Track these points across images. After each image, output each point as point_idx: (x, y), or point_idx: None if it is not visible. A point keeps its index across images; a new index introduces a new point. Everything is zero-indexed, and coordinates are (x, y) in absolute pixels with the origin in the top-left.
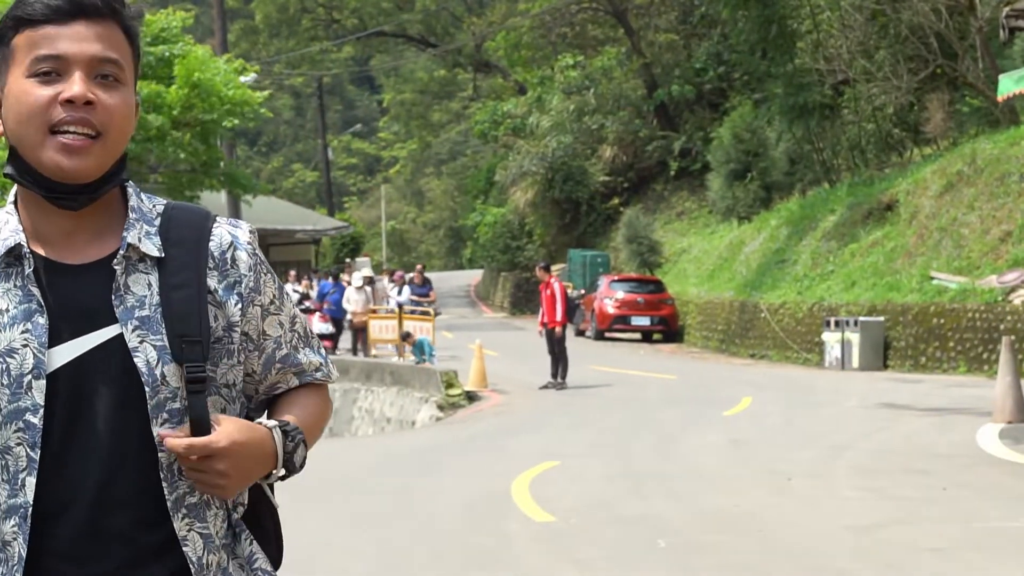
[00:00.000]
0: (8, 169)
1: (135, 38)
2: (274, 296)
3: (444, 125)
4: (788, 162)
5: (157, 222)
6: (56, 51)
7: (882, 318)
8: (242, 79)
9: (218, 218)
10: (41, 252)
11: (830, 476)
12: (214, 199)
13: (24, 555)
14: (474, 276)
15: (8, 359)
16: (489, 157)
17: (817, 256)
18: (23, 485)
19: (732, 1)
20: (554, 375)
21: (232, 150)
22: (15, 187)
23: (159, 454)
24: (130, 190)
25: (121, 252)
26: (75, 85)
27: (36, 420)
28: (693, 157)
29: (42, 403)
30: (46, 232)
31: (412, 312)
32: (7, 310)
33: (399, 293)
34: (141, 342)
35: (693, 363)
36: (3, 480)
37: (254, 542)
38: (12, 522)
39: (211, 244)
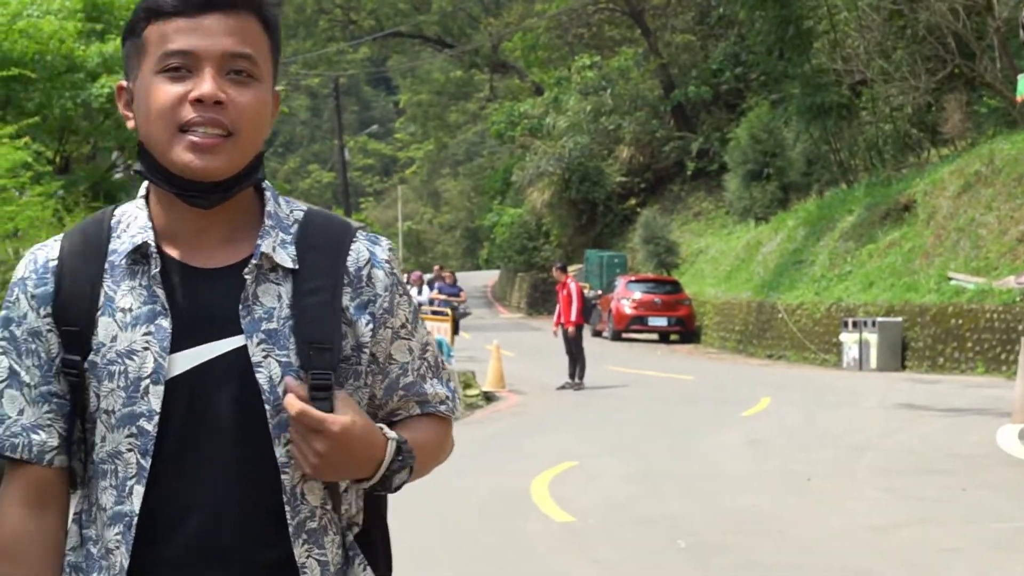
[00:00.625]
0: (139, 166)
1: (274, 29)
2: (407, 320)
3: (461, 126)
4: (805, 162)
5: (294, 229)
6: (185, 47)
7: (900, 319)
8: None
9: (359, 232)
10: (170, 252)
11: (849, 476)
12: None
13: (126, 565)
14: (491, 277)
15: (127, 360)
16: (506, 158)
17: (835, 257)
18: (130, 493)
19: (749, 2)
20: (571, 375)
21: None
22: (146, 181)
23: (282, 476)
24: (267, 194)
25: (254, 261)
26: (204, 84)
27: (150, 427)
28: (710, 158)
29: (158, 410)
30: (176, 230)
31: (433, 312)
32: (130, 309)
33: (419, 293)
34: (265, 356)
35: (710, 364)
36: (111, 486)
37: (367, 568)
38: (116, 530)
39: (348, 259)
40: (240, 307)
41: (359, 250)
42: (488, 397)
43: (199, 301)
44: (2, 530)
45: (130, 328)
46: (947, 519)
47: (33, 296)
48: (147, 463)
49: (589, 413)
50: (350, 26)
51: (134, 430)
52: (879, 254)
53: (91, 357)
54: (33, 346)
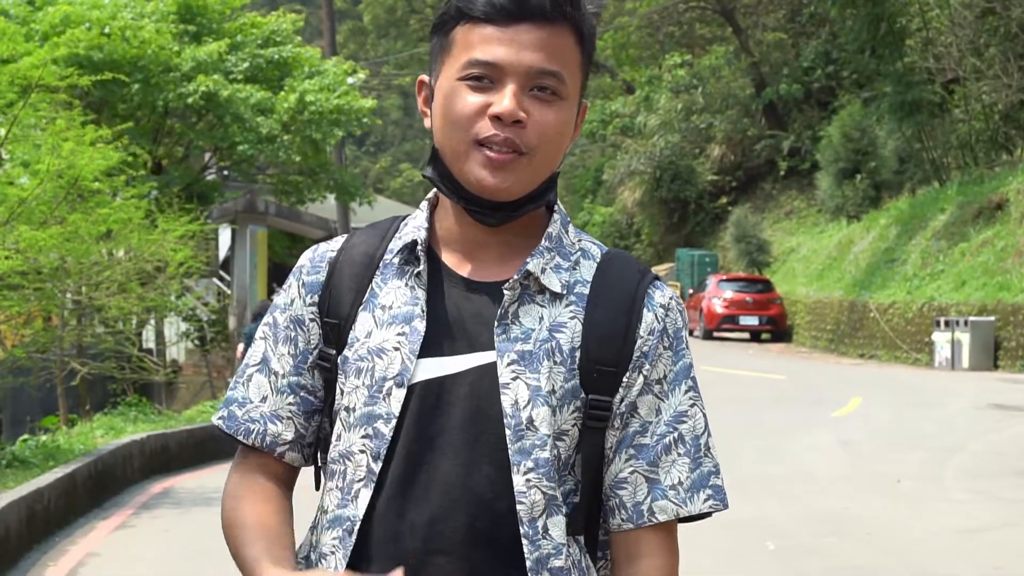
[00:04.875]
0: (428, 172)
1: (588, 39)
2: (665, 377)
3: None
4: (897, 161)
5: (574, 258)
6: (491, 58)
7: (992, 318)
8: (350, 80)
9: (655, 282)
10: (442, 257)
11: (940, 478)
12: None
13: (341, 571)
14: None
15: (376, 358)
16: (597, 156)
17: (927, 255)
18: (356, 496)
19: (841, 0)
20: None
21: (341, 152)
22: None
23: (519, 506)
24: (555, 216)
25: (515, 277)
26: (505, 100)
27: (387, 430)
28: (802, 156)
29: (396, 413)
30: (454, 237)
31: None
32: (390, 307)
33: None
34: (514, 378)
35: (802, 363)
36: (336, 487)
37: None
38: (335, 533)
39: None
40: (496, 324)
41: (642, 291)
42: None
43: (458, 310)
44: (233, 502)
45: (385, 326)
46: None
47: (304, 284)
48: (377, 467)
49: None
50: None
51: (370, 431)
52: (971, 253)
53: (345, 352)
54: (292, 334)
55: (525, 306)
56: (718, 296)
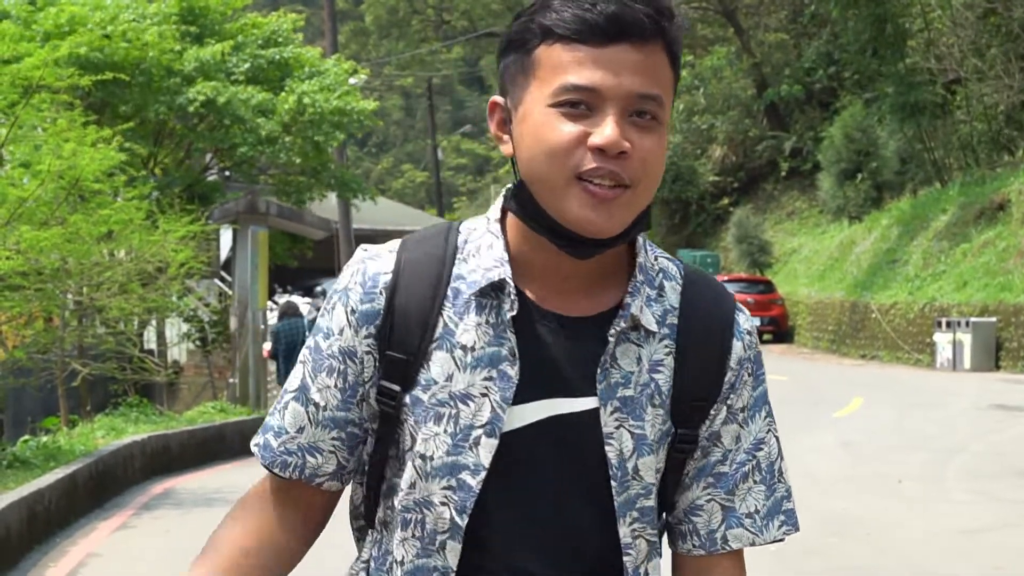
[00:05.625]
0: (513, 206)
1: (678, 60)
2: (747, 405)
3: None
4: (899, 161)
5: (658, 282)
6: (588, 82)
7: (994, 319)
8: (351, 81)
9: (738, 305)
10: (524, 289)
11: (941, 479)
12: (322, 203)
13: None
14: None
15: (460, 404)
16: None
17: (928, 256)
18: (442, 548)
19: (842, 0)
20: None
21: (343, 153)
22: (499, 200)
23: (626, 557)
24: (640, 242)
25: (623, 324)
26: (607, 129)
27: (474, 483)
28: (803, 157)
29: (487, 465)
30: (534, 267)
31: None
32: (472, 348)
33: None
34: (618, 427)
35: (803, 363)
36: (413, 536)
37: None
38: None
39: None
40: (598, 369)
41: (729, 318)
42: None
43: (551, 351)
44: (245, 529)
45: (469, 370)
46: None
47: (355, 312)
48: (463, 521)
49: None
50: (443, 26)
51: (453, 482)
52: (973, 253)
53: (415, 392)
54: (340, 366)
55: (622, 346)
56: None
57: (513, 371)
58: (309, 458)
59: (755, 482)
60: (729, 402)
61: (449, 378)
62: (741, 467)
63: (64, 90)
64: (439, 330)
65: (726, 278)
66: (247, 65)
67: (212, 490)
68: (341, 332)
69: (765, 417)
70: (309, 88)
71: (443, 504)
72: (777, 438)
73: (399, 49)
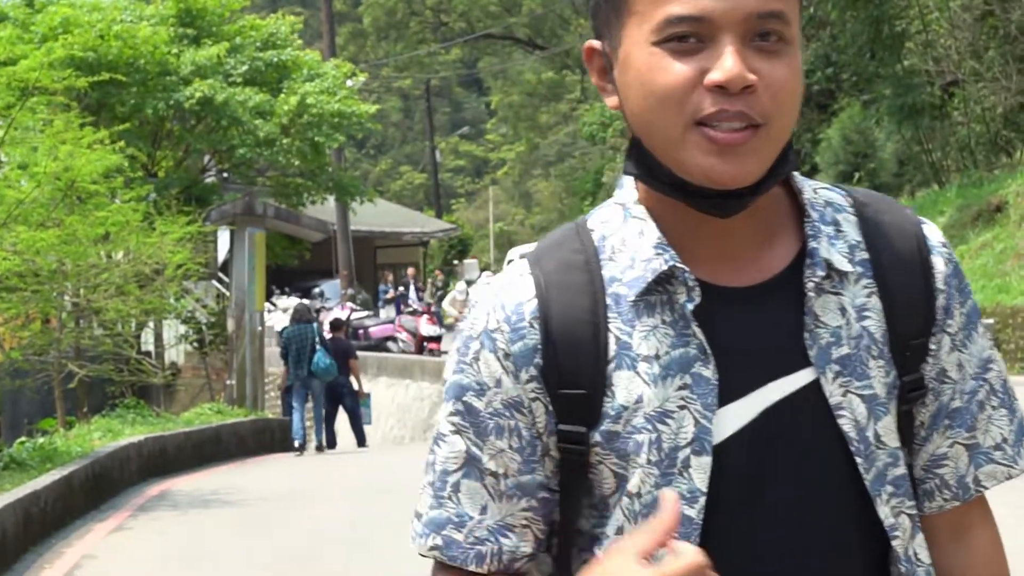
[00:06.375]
0: (630, 168)
1: None
2: (963, 325)
3: (552, 127)
4: (897, 163)
5: (830, 217)
6: (696, 10)
7: (991, 320)
8: (348, 83)
9: (920, 218)
10: (690, 272)
11: None
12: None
13: None
14: None
15: (659, 425)
16: (597, 159)
17: None
18: None
19: (840, 2)
20: None
21: (341, 155)
22: (626, 180)
23: (894, 542)
24: (796, 178)
25: (819, 272)
26: (727, 62)
27: (693, 513)
28: (801, 158)
29: (704, 489)
30: (688, 241)
31: None
32: (656, 357)
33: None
34: (845, 393)
35: None
36: None
37: None
38: None
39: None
40: (805, 334)
41: (921, 235)
42: None
43: (743, 334)
44: None
45: (659, 382)
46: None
47: (508, 355)
48: None
49: None
50: (441, 28)
51: None
52: (971, 255)
53: (605, 426)
54: (510, 423)
55: (819, 300)
56: None
57: (709, 371)
58: (504, 540)
59: (993, 408)
60: (947, 329)
61: (639, 399)
62: (974, 396)
63: (60, 92)
64: (612, 347)
65: None
66: (245, 67)
67: (208, 492)
68: (498, 383)
69: (983, 332)
70: (311, 89)
71: None
72: (995, 350)
73: (397, 51)
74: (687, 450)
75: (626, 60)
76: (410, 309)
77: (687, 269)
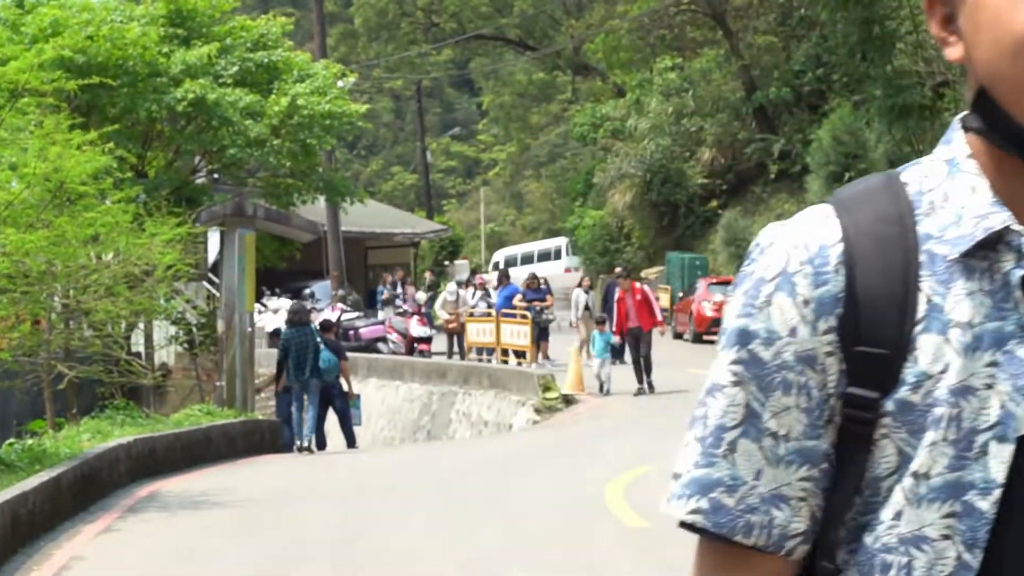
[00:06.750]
0: (972, 121)
1: None
2: None
3: (543, 127)
4: (888, 164)
5: None
6: None
7: None
8: (339, 84)
9: None
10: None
11: None
12: (311, 206)
13: None
14: (573, 279)
15: (961, 401)
16: (588, 160)
17: None
18: None
19: (831, 3)
20: (647, 379)
21: (331, 155)
22: (956, 134)
23: None
24: None
25: None
26: None
27: (985, 505)
28: (792, 159)
29: (1000, 481)
30: (1018, 208)
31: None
32: (970, 324)
33: (474, 297)
34: None
35: None
36: None
37: None
38: None
39: None
40: None
41: None
42: (567, 400)
43: None
44: None
45: (968, 353)
46: None
47: (808, 301)
48: (975, 559)
49: (668, 416)
50: (432, 29)
51: (957, 507)
52: None
53: (900, 394)
54: (800, 378)
55: None
56: (708, 299)
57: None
58: (776, 512)
59: None
60: None
61: (944, 369)
62: None
63: (50, 93)
64: (922, 307)
65: (714, 280)
66: (235, 68)
67: (197, 493)
68: (792, 332)
69: None
70: (302, 90)
71: (944, 538)
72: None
73: (388, 51)
74: (987, 434)
75: (975, 4)
76: (400, 310)
77: (1020, 232)
